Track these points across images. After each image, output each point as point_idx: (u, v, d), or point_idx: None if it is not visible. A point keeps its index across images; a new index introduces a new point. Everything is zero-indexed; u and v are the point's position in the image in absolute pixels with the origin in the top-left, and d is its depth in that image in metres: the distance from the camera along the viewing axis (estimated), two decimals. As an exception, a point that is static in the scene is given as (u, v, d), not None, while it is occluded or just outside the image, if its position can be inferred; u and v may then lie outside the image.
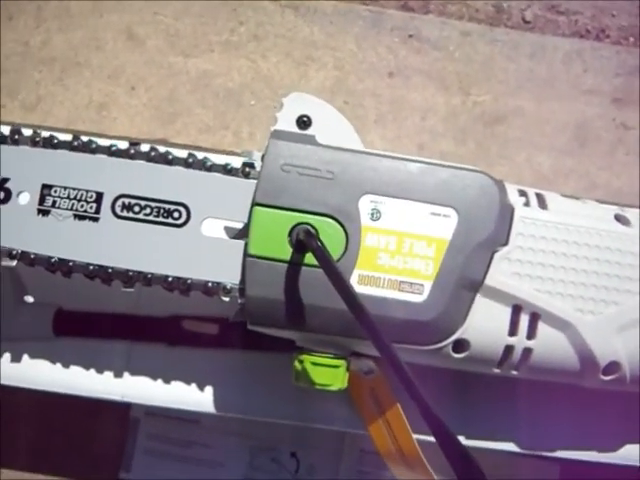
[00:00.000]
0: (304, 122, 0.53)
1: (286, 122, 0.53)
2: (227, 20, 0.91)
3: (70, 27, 0.90)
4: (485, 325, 0.52)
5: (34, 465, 0.81)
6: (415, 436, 0.57)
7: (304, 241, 0.48)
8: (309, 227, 0.50)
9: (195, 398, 0.61)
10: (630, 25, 0.94)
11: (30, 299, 0.61)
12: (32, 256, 0.52)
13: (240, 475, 0.82)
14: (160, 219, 0.52)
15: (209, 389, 0.61)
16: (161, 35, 0.90)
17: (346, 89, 0.89)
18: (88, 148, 0.53)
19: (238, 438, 0.82)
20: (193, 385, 0.61)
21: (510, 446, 0.61)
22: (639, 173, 0.87)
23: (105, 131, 0.86)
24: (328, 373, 0.53)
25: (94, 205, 0.52)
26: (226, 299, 0.52)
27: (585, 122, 0.89)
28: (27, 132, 0.54)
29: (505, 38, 0.91)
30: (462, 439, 0.60)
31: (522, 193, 0.55)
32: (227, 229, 0.53)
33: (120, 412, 0.81)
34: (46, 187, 0.53)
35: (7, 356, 0.61)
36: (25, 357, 0.61)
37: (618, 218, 0.54)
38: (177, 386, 0.61)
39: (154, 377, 0.61)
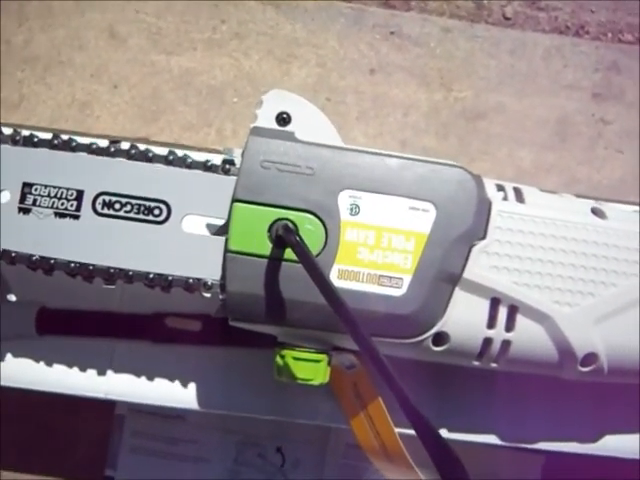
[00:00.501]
0: (284, 119, 0.54)
1: (266, 119, 0.53)
2: (209, 18, 0.91)
3: (52, 26, 0.90)
4: (464, 318, 0.52)
5: (19, 465, 0.81)
6: (397, 430, 0.57)
7: (283, 237, 0.49)
8: (288, 223, 0.50)
9: (179, 395, 0.61)
10: (608, 21, 0.94)
11: (13, 298, 0.61)
12: (13, 254, 0.52)
13: (226, 471, 0.83)
14: (141, 216, 0.53)
15: (193, 386, 0.61)
16: (143, 34, 0.90)
17: (328, 86, 0.89)
18: (68, 146, 0.53)
19: (223, 434, 0.83)
20: (177, 382, 0.61)
21: (492, 438, 0.62)
22: (618, 167, 0.88)
23: (88, 130, 0.86)
24: (310, 368, 0.53)
25: (75, 203, 0.53)
26: (207, 295, 0.53)
27: (565, 117, 0.90)
28: (7, 131, 0.54)
29: (486, 34, 0.92)
30: (444, 432, 0.61)
31: (500, 187, 0.55)
32: (208, 226, 0.54)
33: (104, 409, 0.81)
34: (27, 185, 0.53)
35: (-10, 355, 0.61)
36: (9, 356, 0.61)
37: (595, 211, 0.55)
38: (161, 383, 0.61)
39: (138, 374, 0.61)
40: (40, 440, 0.83)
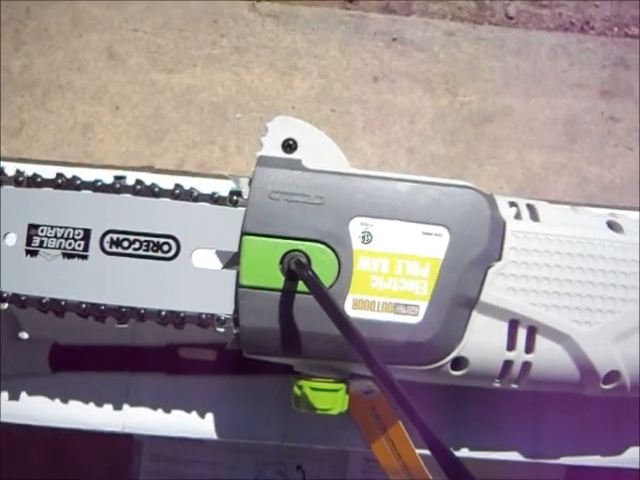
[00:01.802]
0: (290, 146, 0.53)
1: (271, 147, 0.53)
2: (208, 33, 0.90)
3: (50, 49, 0.89)
4: (483, 342, 0.51)
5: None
6: (419, 451, 0.56)
7: (295, 272, 0.48)
8: (300, 255, 0.49)
9: (196, 425, 0.60)
10: (613, 15, 0.93)
11: (25, 335, 0.61)
12: (23, 298, 0.52)
13: (247, 490, 0.83)
14: (150, 253, 0.52)
15: (210, 416, 0.61)
16: (142, 52, 0.89)
17: (332, 97, 0.88)
18: (72, 185, 0.53)
19: (243, 454, 0.83)
20: (194, 413, 0.60)
21: (513, 455, 0.61)
22: (629, 164, 0.87)
23: (92, 153, 0.86)
24: (328, 397, 0.53)
25: (82, 243, 0.52)
26: (221, 330, 0.52)
27: (574, 117, 0.89)
28: (10, 171, 0.54)
29: (489, 36, 0.91)
30: (465, 451, 0.60)
31: (512, 204, 0.54)
32: (218, 258, 0.53)
33: (123, 435, 0.81)
34: (32, 227, 0.52)
35: (5, 394, 0.60)
36: (23, 394, 0.60)
37: (610, 225, 0.54)
38: (178, 415, 0.61)
39: (154, 407, 0.61)
40: (57, 466, 0.83)
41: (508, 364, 0.52)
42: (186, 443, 0.81)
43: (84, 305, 0.52)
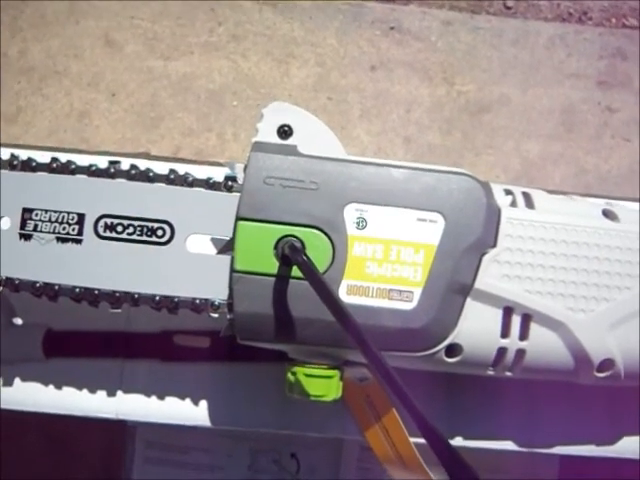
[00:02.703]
0: (285, 132, 0.52)
1: (267, 133, 0.52)
2: (205, 21, 0.90)
3: (47, 35, 0.89)
4: (477, 328, 0.51)
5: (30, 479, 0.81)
6: (413, 439, 0.56)
7: (289, 256, 0.48)
8: (294, 241, 0.49)
9: (190, 412, 0.60)
10: (611, 5, 0.93)
11: (19, 321, 0.61)
12: (17, 282, 0.52)
13: (241, 478, 0.82)
14: (144, 238, 0.52)
15: (204, 403, 0.61)
16: (139, 39, 0.89)
17: (329, 85, 0.88)
18: (67, 169, 0.52)
19: (237, 441, 0.82)
20: (187, 400, 0.60)
21: (507, 444, 0.61)
22: (626, 155, 0.87)
23: (88, 139, 0.85)
24: (322, 384, 0.52)
25: (76, 227, 0.52)
26: (215, 315, 0.52)
27: (571, 107, 0.88)
28: (5, 155, 0.53)
29: (487, 25, 0.90)
30: (459, 440, 0.60)
31: (508, 192, 0.54)
32: (213, 244, 0.53)
33: (116, 421, 0.81)
34: (27, 211, 0.52)
35: (-1, 379, 0.60)
36: (17, 380, 0.60)
37: (606, 214, 0.54)
38: (172, 401, 0.60)
39: (148, 394, 0.60)
40: (52, 453, 0.83)
41: (502, 351, 0.52)
42: (180, 430, 0.81)
43: (78, 289, 0.51)
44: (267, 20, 0.90)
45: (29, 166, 0.53)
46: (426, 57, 0.90)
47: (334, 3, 0.91)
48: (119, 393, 0.61)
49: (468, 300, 0.51)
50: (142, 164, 0.54)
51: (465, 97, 0.88)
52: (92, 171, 0.52)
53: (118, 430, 0.81)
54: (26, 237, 0.52)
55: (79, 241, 0.52)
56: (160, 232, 0.52)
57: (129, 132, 0.87)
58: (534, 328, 0.52)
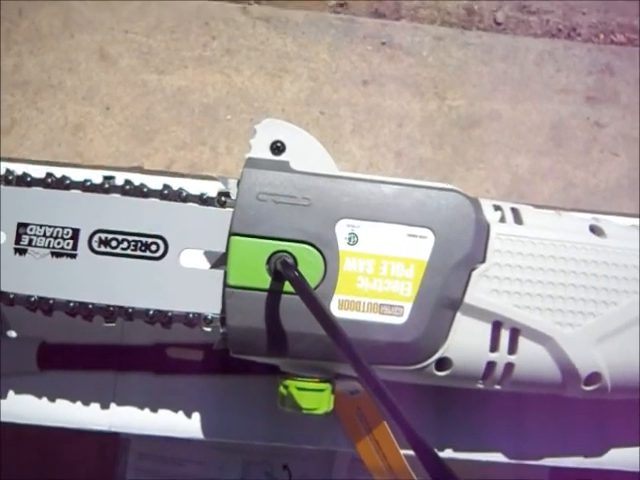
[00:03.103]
0: (278, 148, 0.53)
1: (260, 149, 0.53)
2: (199, 35, 0.90)
3: (41, 49, 0.89)
4: (466, 343, 0.52)
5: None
6: (404, 452, 0.57)
7: (281, 272, 0.49)
8: (286, 256, 0.50)
9: (183, 425, 0.61)
10: (600, 22, 0.94)
11: (13, 334, 0.61)
12: (11, 296, 0.52)
13: (234, 490, 0.83)
14: (138, 253, 0.52)
15: (196, 415, 0.61)
16: (134, 53, 0.90)
17: (321, 100, 0.89)
18: (62, 184, 0.53)
19: (229, 453, 0.83)
20: (180, 412, 0.61)
21: (496, 456, 0.61)
22: (614, 170, 0.88)
23: (82, 153, 0.86)
24: (314, 397, 0.53)
25: (71, 242, 0.52)
26: (208, 329, 0.52)
27: (560, 122, 0.90)
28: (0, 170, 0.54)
29: (478, 41, 0.91)
30: (450, 452, 0.61)
31: (497, 208, 0.55)
32: (206, 258, 0.53)
33: (110, 433, 0.81)
34: (22, 226, 0.52)
35: (-8, 392, 0.61)
36: (11, 392, 0.61)
37: (593, 229, 0.55)
38: (165, 414, 0.61)
39: (141, 406, 0.61)
40: (45, 465, 0.83)
41: (491, 365, 0.53)
42: (173, 442, 0.81)
43: (72, 304, 0.52)
44: (260, 35, 0.91)
45: (24, 181, 0.53)
46: (417, 72, 0.91)
47: (327, 18, 0.92)
48: (112, 405, 0.61)
49: (458, 315, 0.52)
50: (136, 179, 0.55)
51: (456, 112, 0.89)
52: (87, 186, 0.53)
53: (111, 442, 0.81)
54: (21, 252, 0.52)
55: (74, 256, 0.52)
56: (154, 247, 0.52)
57: (123, 146, 0.87)
58: (522, 342, 0.52)
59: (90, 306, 0.52)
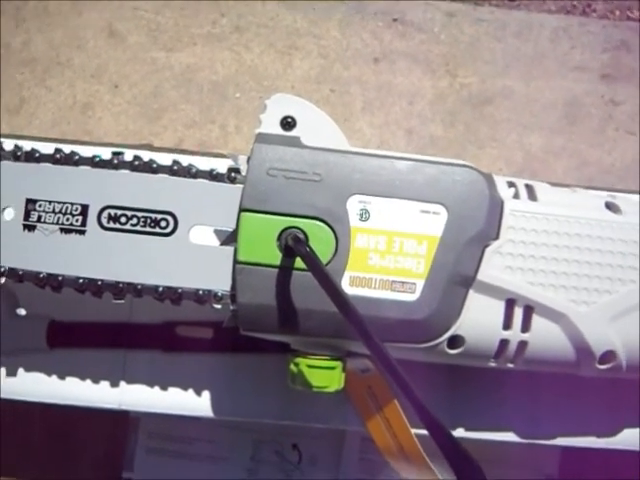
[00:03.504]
0: (288, 123, 0.52)
1: (270, 124, 0.52)
2: (208, 12, 0.89)
3: (50, 27, 0.88)
4: (479, 320, 0.51)
5: (33, 468, 0.81)
6: (414, 431, 0.57)
7: (292, 247, 0.48)
8: (297, 232, 0.49)
9: (193, 403, 0.61)
10: (616, -2, 0.93)
11: (23, 312, 0.61)
12: (20, 272, 0.52)
13: (243, 469, 0.83)
14: (147, 229, 0.52)
15: (206, 393, 0.61)
16: (142, 31, 0.89)
17: (332, 77, 0.88)
18: (71, 160, 0.52)
19: (239, 432, 0.83)
20: (190, 390, 0.61)
21: (509, 436, 0.61)
22: (629, 148, 0.87)
23: (91, 131, 0.85)
24: (324, 375, 0.53)
25: (80, 218, 0.52)
26: (218, 306, 0.52)
27: (574, 99, 0.88)
28: (8, 146, 0.53)
29: (490, 17, 0.90)
30: (460, 431, 0.60)
31: (511, 184, 0.54)
32: (216, 235, 0.53)
33: (119, 411, 0.81)
34: (30, 202, 0.52)
35: (3, 370, 0.61)
36: (21, 370, 0.61)
37: (609, 206, 0.54)
38: (174, 392, 0.61)
39: (150, 384, 0.61)
40: (54, 443, 0.83)
41: (504, 343, 0.52)
42: (182, 420, 0.81)
43: (81, 280, 0.52)
44: (270, 12, 0.90)
45: (33, 157, 0.53)
46: (429, 49, 0.89)
47: (337, -5, 0.91)
48: (122, 384, 0.61)
49: (470, 292, 0.51)
50: (145, 155, 0.54)
51: (468, 89, 0.88)
52: (95, 162, 0.53)
53: (121, 420, 0.81)
54: (30, 228, 0.52)
55: (83, 232, 0.52)
56: (163, 223, 0.52)
57: (132, 124, 0.87)
58: (536, 320, 0.52)
59: (99, 283, 0.52)
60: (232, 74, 0.89)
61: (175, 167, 0.53)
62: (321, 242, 0.50)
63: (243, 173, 0.52)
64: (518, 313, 0.52)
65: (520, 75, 0.89)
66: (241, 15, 0.90)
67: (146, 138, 0.87)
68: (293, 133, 0.52)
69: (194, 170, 0.53)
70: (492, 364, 0.54)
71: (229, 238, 0.52)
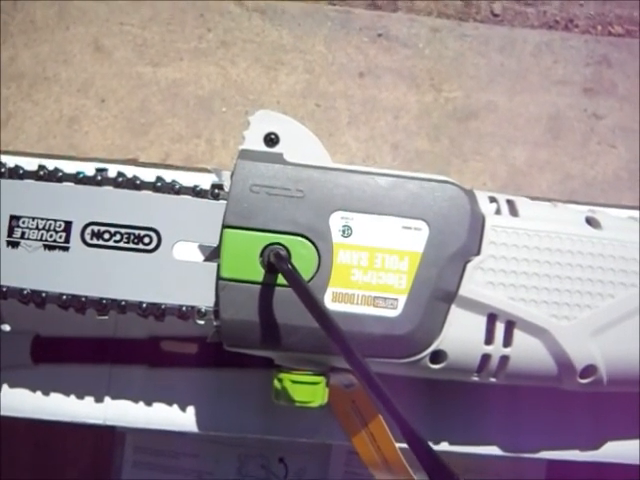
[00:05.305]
0: (272, 139, 0.53)
1: (253, 140, 0.53)
2: (195, 27, 0.90)
3: (36, 41, 0.89)
4: (461, 335, 0.52)
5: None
6: (399, 444, 0.57)
7: (275, 264, 0.48)
8: (280, 249, 0.50)
9: (178, 418, 0.61)
10: (597, 14, 0.93)
11: (7, 327, 0.61)
12: (4, 289, 0.52)
13: (230, 483, 0.83)
14: (131, 245, 0.52)
15: (191, 409, 0.61)
16: (129, 45, 0.89)
17: (317, 92, 0.88)
18: (54, 177, 0.53)
19: (225, 446, 0.83)
20: (175, 405, 0.61)
21: (493, 449, 0.61)
22: (612, 162, 0.88)
23: (77, 146, 0.86)
24: (308, 390, 0.53)
25: (63, 234, 0.52)
26: (201, 322, 0.52)
27: (557, 113, 0.89)
28: (-8, 163, 0.54)
29: (475, 33, 0.91)
30: (445, 445, 0.61)
31: (492, 200, 0.55)
32: (199, 251, 0.53)
33: (105, 427, 0.81)
34: (14, 218, 0.52)
35: (-14, 386, 0.61)
36: (5, 386, 0.60)
37: (589, 221, 0.55)
38: (159, 407, 0.61)
39: (135, 400, 0.61)
40: (39, 459, 0.83)
41: (486, 358, 0.52)
42: (168, 435, 0.81)
43: (65, 297, 0.52)
44: (256, 27, 0.90)
45: (16, 173, 0.53)
46: (414, 64, 0.90)
47: (322, 10, 0.91)
48: (107, 399, 0.61)
49: (452, 307, 0.51)
50: (129, 171, 0.54)
51: (452, 104, 0.89)
52: (79, 179, 0.53)
53: (107, 434, 0.81)
54: (13, 244, 0.52)
55: (66, 248, 0.52)
56: (147, 239, 0.52)
57: (118, 138, 0.87)
58: (518, 335, 0.52)
59: (83, 299, 0.52)
60: (218, 89, 0.89)
61: (159, 183, 0.53)
62: (303, 258, 0.50)
63: (226, 189, 0.52)
64: (500, 328, 0.52)
65: (504, 90, 0.90)
66: (227, 30, 0.91)
67: (133, 152, 0.87)
68: (276, 150, 0.52)
69: (177, 186, 0.53)
70: (475, 378, 0.54)
71: (212, 254, 0.53)
